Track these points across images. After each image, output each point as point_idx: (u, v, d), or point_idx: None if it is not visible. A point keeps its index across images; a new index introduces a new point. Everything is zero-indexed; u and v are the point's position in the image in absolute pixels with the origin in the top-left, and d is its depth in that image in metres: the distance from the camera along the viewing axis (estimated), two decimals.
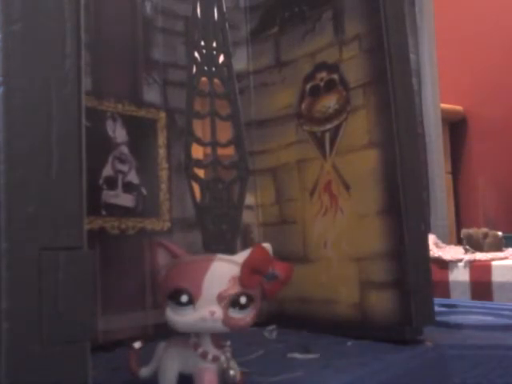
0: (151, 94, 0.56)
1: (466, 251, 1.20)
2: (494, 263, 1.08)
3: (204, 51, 0.41)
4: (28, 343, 0.26)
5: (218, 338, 0.34)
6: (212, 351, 0.34)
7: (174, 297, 0.32)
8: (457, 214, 1.82)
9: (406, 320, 0.47)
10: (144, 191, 0.55)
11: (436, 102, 1.67)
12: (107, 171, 0.52)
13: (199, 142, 0.40)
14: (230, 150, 0.42)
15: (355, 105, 0.53)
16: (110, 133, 0.53)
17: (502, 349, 0.46)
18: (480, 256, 1.13)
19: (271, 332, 0.55)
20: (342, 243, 0.54)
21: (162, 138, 0.57)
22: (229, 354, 0.34)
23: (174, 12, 0.59)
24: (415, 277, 0.47)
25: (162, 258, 0.35)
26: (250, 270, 0.33)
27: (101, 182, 0.51)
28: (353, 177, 0.53)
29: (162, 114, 0.57)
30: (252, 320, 0.33)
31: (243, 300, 0.32)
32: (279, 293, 0.34)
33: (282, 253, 0.56)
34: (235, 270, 0.33)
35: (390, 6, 0.50)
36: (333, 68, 0.55)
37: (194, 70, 0.41)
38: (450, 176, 1.82)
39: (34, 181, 0.27)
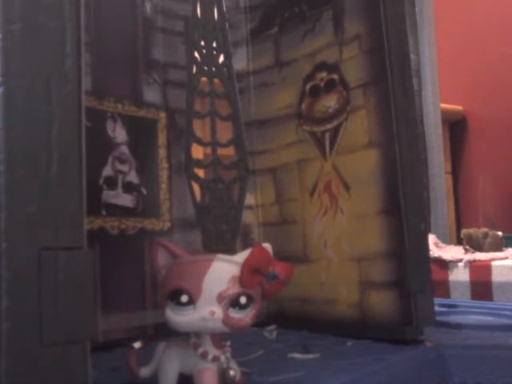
0: (151, 94, 0.56)
1: (466, 251, 1.20)
2: (493, 263, 1.08)
3: (204, 51, 0.41)
4: (28, 343, 0.26)
5: (218, 338, 0.34)
6: (212, 351, 0.34)
7: (174, 297, 0.32)
8: (457, 214, 1.82)
9: (406, 320, 0.47)
10: (144, 191, 0.55)
11: (436, 102, 1.67)
12: (107, 171, 0.52)
13: (199, 141, 0.40)
14: (230, 150, 0.42)
15: (355, 105, 0.53)
16: (110, 133, 0.53)
17: (502, 349, 0.46)
18: (480, 256, 1.13)
19: (271, 332, 0.55)
20: (342, 243, 0.54)
21: (161, 138, 0.57)
22: (229, 354, 0.34)
23: (174, 12, 0.59)
24: (415, 277, 0.47)
25: (161, 258, 0.35)
26: (250, 270, 0.32)
27: (101, 182, 0.51)
28: (353, 177, 0.53)
29: (162, 114, 0.57)
30: (252, 320, 0.33)
31: (243, 300, 0.32)
32: (279, 293, 0.34)
33: (282, 253, 0.56)
34: (235, 270, 0.33)
35: (389, 6, 0.50)
36: (333, 68, 0.55)
37: (194, 70, 0.41)
38: (450, 176, 1.82)
39: (34, 181, 0.27)
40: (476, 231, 1.27)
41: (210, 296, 0.32)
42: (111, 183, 0.52)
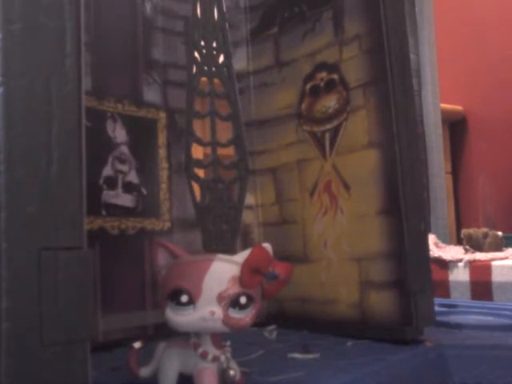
0: (151, 94, 0.56)
1: (466, 251, 1.20)
2: (493, 263, 1.08)
3: (204, 51, 0.41)
4: (28, 343, 0.26)
5: (218, 338, 0.34)
6: (212, 351, 0.34)
7: (174, 297, 0.32)
8: (457, 214, 1.82)
9: (406, 320, 0.47)
10: (144, 191, 0.55)
11: (436, 102, 1.67)
12: (107, 171, 0.52)
13: (199, 141, 0.40)
14: (230, 150, 0.42)
15: (355, 105, 0.53)
16: (110, 133, 0.53)
17: (502, 349, 0.46)
18: (480, 256, 1.13)
19: (271, 332, 0.55)
20: (341, 243, 0.54)
21: (161, 138, 0.57)
22: (229, 354, 0.34)
23: (174, 12, 0.59)
24: (415, 277, 0.47)
25: (161, 258, 0.35)
26: (250, 270, 0.33)
27: (101, 182, 0.51)
28: (353, 177, 0.53)
29: (162, 114, 0.57)
30: (252, 320, 0.33)
31: (243, 300, 0.32)
32: (279, 293, 0.34)
33: (282, 253, 0.57)
34: (235, 270, 0.33)
35: (389, 6, 0.50)
36: (333, 68, 0.55)
37: (194, 70, 0.41)
38: (450, 176, 1.82)
39: (34, 181, 0.27)
40: (476, 231, 1.27)
41: (210, 296, 0.32)
42: (111, 183, 0.52)
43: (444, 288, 1.13)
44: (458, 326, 0.54)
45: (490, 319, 0.59)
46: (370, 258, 0.51)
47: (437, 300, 0.63)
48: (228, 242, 0.39)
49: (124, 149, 0.53)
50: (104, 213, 0.51)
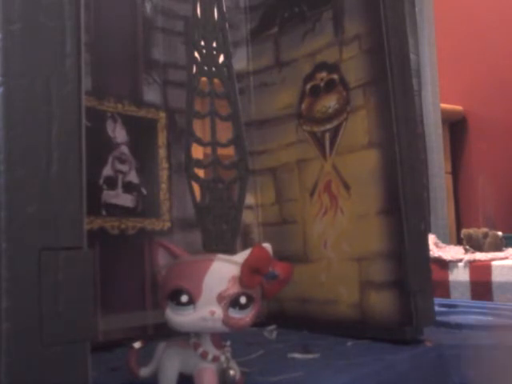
0: (151, 94, 0.56)
1: (466, 251, 1.20)
2: (493, 263, 1.08)
3: (204, 51, 0.41)
4: (28, 343, 0.26)
5: (218, 338, 0.34)
6: (212, 351, 0.34)
7: (174, 297, 0.32)
8: (457, 214, 1.82)
9: (406, 320, 0.47)
10: (144, 191, 0.55)
11: (436, 102, 1.67)
12: (107, 171, 0.52)
13: (199, 141, 0.40)
14: (230, 150, 0.42)
15: (355, 105, 0.53)
16: (110, 133, 0.53)
17: (502, 349, 0.46)
18: (480, 256, 1.13)
19: (271, 332, 0.55)
20: (341, 243, 0.54)
21: (161, 138, 0.57)
22: (229, 354, 0.34)
23: (174, 12, 0.59)
24: (415, 277, 0.47)
25: (162, 258, 0.35)
26: (250, 270, 0.33)
27: (101, 182, 0.51)
28: (353, 177, 0.53)
29: (162, 114, 0.57)
30: (252, 320, 0.33)
31: (243, 300, 0.32)
32: (279, 293, 0.34)
33: (282, 253, 0.56)
34: (235, 270, 0.33)
35: (389, 6, 0.50)
36: (333, 68, 0.55)
37: (194, 70, 0.41)
38: (450, 176, 1.82)
39: (34, 181, 0.27)
40: (476, 231, 1.27)
41: (210, 296, 0.32)
42: (111, 183, 0.52)
43: (444, 288, 1.13)
44: (458, 326, 0.54)
45: (489, 319, 0.59)
46: (370, 257, 0.51)
47: (437, 300, 0.63)
48: (228, 242, 0.39)
49: (124, 149, 0.53)
50: (104, 213, 0.51)
